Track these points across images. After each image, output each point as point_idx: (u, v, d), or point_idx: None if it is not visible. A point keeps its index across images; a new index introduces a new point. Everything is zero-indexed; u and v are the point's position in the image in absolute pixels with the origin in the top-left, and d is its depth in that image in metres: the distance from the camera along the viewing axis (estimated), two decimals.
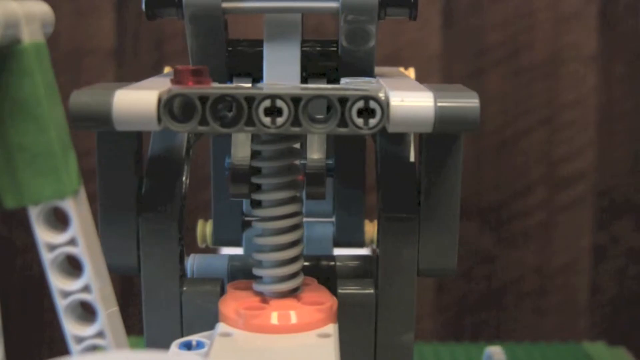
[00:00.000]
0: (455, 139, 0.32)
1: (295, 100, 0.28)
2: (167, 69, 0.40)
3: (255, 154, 0.33)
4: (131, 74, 0.72)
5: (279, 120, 0.28)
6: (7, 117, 0.26)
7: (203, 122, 0.28)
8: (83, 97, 0.29)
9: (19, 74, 0.26)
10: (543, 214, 0.75)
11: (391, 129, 0.29)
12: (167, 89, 0.28)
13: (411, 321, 0.34)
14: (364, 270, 0.36)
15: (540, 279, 0.76)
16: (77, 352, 0.28)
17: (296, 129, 0.28)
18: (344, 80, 0.33)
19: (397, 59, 0.72)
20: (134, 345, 0.30)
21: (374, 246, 0.42)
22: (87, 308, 0.29)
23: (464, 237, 0.74)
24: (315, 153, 0.35)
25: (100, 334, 0.28)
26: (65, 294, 0.28)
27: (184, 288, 0.34)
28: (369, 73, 0.35)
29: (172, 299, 0.34)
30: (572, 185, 0.75)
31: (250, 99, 0.28)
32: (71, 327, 0.28)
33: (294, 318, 0.31)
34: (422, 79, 0.36)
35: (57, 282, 0.28)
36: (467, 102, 0.29)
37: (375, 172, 0.35)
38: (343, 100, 0.28)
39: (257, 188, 0.33)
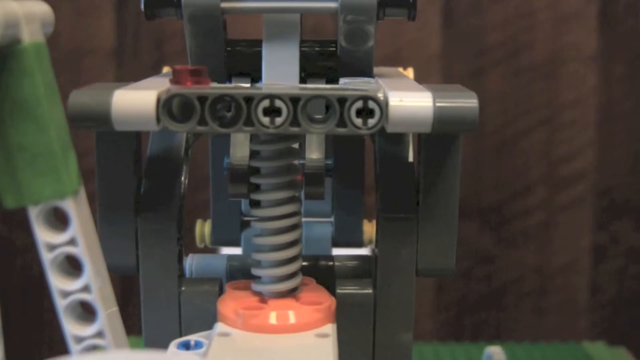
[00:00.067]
0: (454, 139, 0.32)
1: (294, 100, 0.28)
2: (165, 69, 0.40)
3: (254, 154, 0.33)
4: (131, 74, 0.72)
5: (278, 120, 0.28)
6: (7, 117, 0.26)
7: (202, 122, 0.28)
8: (82, 97, 0.29)
9: (19, 74, 0.26)
10: (543, 214, 0.75)
11: (390, 129, 0.29)
12: (166, 89, 0.28)
13: (410, 321, 0.34)
14: (362, 270, 0.36)
15: (540, 279, 0.76)
16: (77, 352, 0.28)
17: (295, 129, 0.28)
18: (342, 81, 0.33)
19: (397, 59, 0.72)
20: (133, 345, 0.30)
21: (373, 246, 0.42)
22: (87, 308, 0.29)
23: (464, 237, 0.74)
24: (314, 153, 0.35)
25: (100, 334, 0.28)
26: (65, 294, 0.28)
27: (183, 288, 0.34)
28: (368, 73, 0.35)
29: (171, 298, 0.34)
30: (572, 185, 0.75)
31: (249, 99, 0.28)
32: (71, 327, 0.28)
33: (292, 318, 0.32)
34: (422, 79, 0.36)
35: (57, 282, 0.28)
36: (466, 102, 0.29)
37: (374, 172, 0.35)
38: (342, 101, 0.28)
39: (256, 188, 0.33)
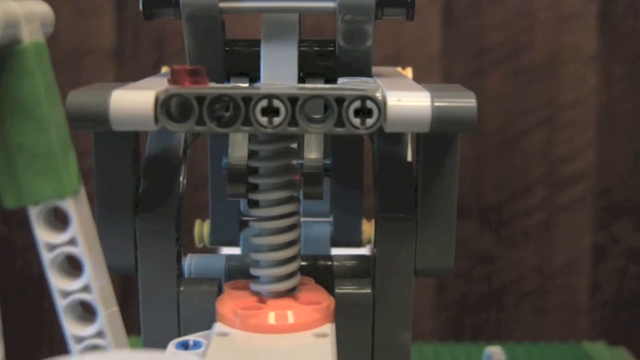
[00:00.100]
0: (453, 139, 0.32)
1: (292, 100, 0.28)
2: (164, 69, 0.40)
3: (252, 154, 0.33)
4: (131, 74, 0.72)
5: (276, 120, 0.28)
6: (7, 117, 0.26)
7: (200, 122, 0.28)
8: (80, 97, 0.29)
9: (19, 74, 0.26)
10: (543, 214, 0.75)
11: (388, 128, 0.29)
12: (164, 89, 0.28)
13: (408, 321, 0.34)
14: (361, 270, 0.36)
15: (540, 279, 0.76)
16: (77, 352, 0.28)
17: (293, 129, 0.28)
18: (341, 80, 0.33)
19: (397, 59, 0.72)
20: (134, 345, 0.30)
21: (372, 246, 0.42)
22: (87, 308, 0.29)
23: (464, 237, 0.74)
24: (313, 153, 0.35)
25: (100, 334, 0.28)
26: (65, 294, 0.28)
27: (182, 288, 0.34)
28: (367, 73, 0.35)
29: (170, 298, 0.34)
30: (572, 185, 0.75)
31: (247, 99, 0.28)
32: (71, 327, 0.28)
33: (291, 318, 0.32)
34: (422, 79, 0.36)
35: (57, 282, 0.28)
36: (464, 102, 0.29)
37: (372, 171, 0.35)
38: (340, 100, 0.28)
39: (255, 188, 0.33)
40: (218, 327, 0.32)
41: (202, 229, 0.44)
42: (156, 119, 0.28)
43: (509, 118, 0.74)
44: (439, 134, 0.31)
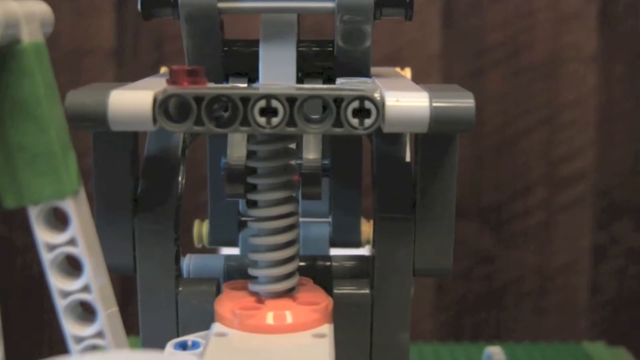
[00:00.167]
0: (451, 139, 0.32)
1: (291, 100, 0.28)
2: (163, 69, 0.40)
3: (250, 154, 0.33)
4: (131, 74, 0.72)
5: (274, 121, 0.28)
6: (7, 117, 0.26)
7: (198, 122, 0.28)
8: (79, 97, 0.29)
9: (19, 74, 0.26)
10: (543, 214, 0.75)
11: (386, 129, 0.29)
12: (162, 89, 0.28)
13: (407, 321, 0.34)
14: (360, 270, 0.36)
15: (540, 279, 0.76)
16: (77, 352, 0.28)
17: (291, 129, 0.28)
18: (339, 81, 0.33)
19: (397, 59, 0.72)
20: (133, 345, 0.30)
21: (371, 246, 0.42)
22: (87, 308, 0.29)
23: (464, 237, 0.74)
24: (311, 153, 0.35)
25: (99, 334, 0.28)
26: (65, 294, 0.28)
27: (180, 288, 0.34)
28: (365, 73, 0.35)
29: (168, 299, 0.34)
30: (572, 185, 0.75)
31: (245, 99, 0.28)
32: (71, 327, 0.28)
33: (289, 318, 0.31)
34: (422, 79, 0.36)
35: (57, 282, 0.28)
36: (463, 102, 0.29)
37: (371, 172, 0.35)
38: (338, 101, 0.28)
39: (253, 188, 0.33)
40: (216, 327, 0.32)
41: (201, 229, 0.44)
42: (154, 119, 0.28)
43: (509, 118, 0.74)
44: (438, 134, 0.31)
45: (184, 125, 0.28)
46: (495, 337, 0.75)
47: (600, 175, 0.75)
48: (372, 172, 0.35)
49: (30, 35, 0.26)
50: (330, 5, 0.33)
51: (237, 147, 0.35)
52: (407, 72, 0.40)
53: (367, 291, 0.34)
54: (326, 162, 0.38)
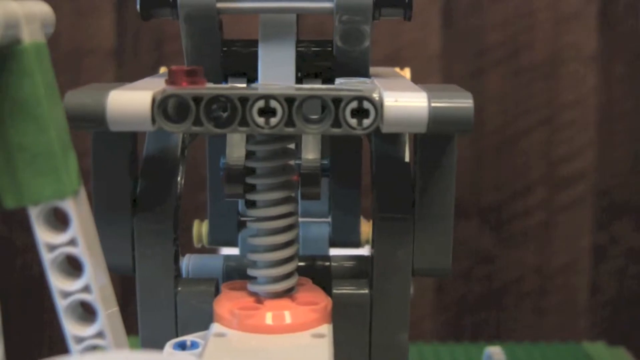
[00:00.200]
0: (450, 139, 0.32)
1: (289, 100, 0.28)
2: (162, 69, 0.40)
3: (249, 154, 0.33)
4: (131, 74, 0.72)
5: (273, 121, 0.28)
6: (7, 117, 0.26)
7: (197, 122, 0.28)
8: (77, 98, 0.29)
9: (19, 74, 0.26)
10: (543, 214, 0.75)
11: (385, 129, 0.29)
12: (161, 89, 0.28)
13: (406, 321, 0.34)
14: (359, 270, 0.36)
15: (540, 279, 0.76)
16: (77, 352, 0.28)
17: (290, 130, 0.28)
18: (338, 81, 0.33)
19: (397, 59, 0.72)
20: (133, 345, 0.30)
21: (370, 246, 0.42)
22: (87, 308, 0.29)
23: (464, 237, 0.74)
24: (310, 153, 0.35)
25: (100, 334, 0.28)
26: (65, 294, 0.28)
27: (179, 288, 0.34)
28: (364, 73, 0.35)
29: (167, 299, 0.34)
30: (572, 185, 0.75)
31: (244, 100, 0.28)
32: (71, 327, 0.28)
33: (288, 318, 0.31)
34: (422, 79, 0.36)
35: (57, 282, 0.28)
36: (461, 102, 0.29)
37: (370, 172, 0.35)
38: (337, 101, 0.28)
39: (252, 188, 0.33)
40: (215, 327, 0.32)
41: (200, 229, 0.44)
42: (153, 120, 0.28)
43: (509, 118, 0.74)
44: (436, 134, 0.31)
45: (182, 125, 0.28)
46: (495, 337, 0.75)
47: (600, 175, 0.75)
48: (371, 172, 0.35)
49: (31, 36, 0.26)
50: (329, 5, 0.33)
51: (236, 147, 0.35)
52: (407, 72, 0.40)
53: (367, 291, 0.34)
54: (325, 162, 0.38)
